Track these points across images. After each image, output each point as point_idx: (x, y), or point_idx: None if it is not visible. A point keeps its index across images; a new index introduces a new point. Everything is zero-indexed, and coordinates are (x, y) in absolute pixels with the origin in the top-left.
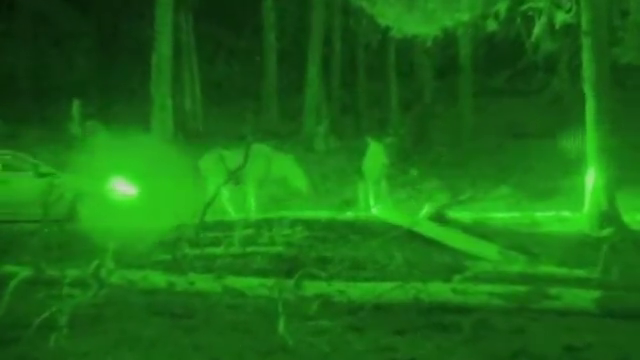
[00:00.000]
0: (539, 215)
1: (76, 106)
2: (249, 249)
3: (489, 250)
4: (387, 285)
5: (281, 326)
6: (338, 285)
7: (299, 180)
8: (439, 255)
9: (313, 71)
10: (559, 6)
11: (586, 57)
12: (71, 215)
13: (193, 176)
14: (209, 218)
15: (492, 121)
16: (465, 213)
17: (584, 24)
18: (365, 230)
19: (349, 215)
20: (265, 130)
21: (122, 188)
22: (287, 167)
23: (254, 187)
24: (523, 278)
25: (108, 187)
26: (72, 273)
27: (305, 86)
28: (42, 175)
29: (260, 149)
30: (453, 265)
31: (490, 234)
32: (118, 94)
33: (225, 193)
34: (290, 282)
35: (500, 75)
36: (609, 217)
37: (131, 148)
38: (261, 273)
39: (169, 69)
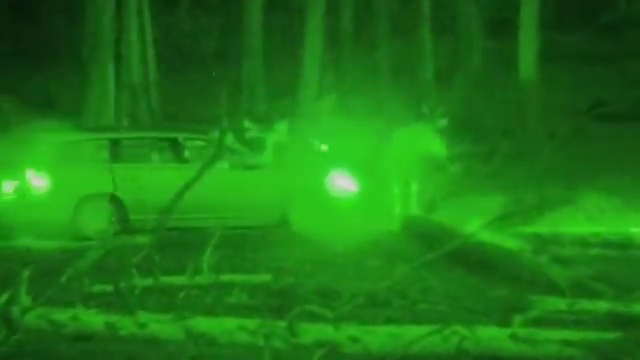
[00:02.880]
0: (634, 231)
1: None
2: (223, 277)
3: (561, 279)
4: (419, 329)
5: None
6: (349, 329)
7: None
8: (492, 287)
9: (314, 25)
10: None
11: None
12: (283, 219)
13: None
14: None
15: (567, 96)
16: (529, 227)
17: None
18: (387, 251)
19: (365, 229)
20: (247, 110)
21: (342, 184)
22: None
23: None
24: (611, 320)
25: (326, 183)
26: None
27: (303, 47)
28: (248, 167)
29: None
30: (512, 301)
31: (564, 257)
32: (37, 59)
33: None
34: (281, 324)
35: (578, 33)
36: None
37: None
38: (240, 311)
39: (110, 24)
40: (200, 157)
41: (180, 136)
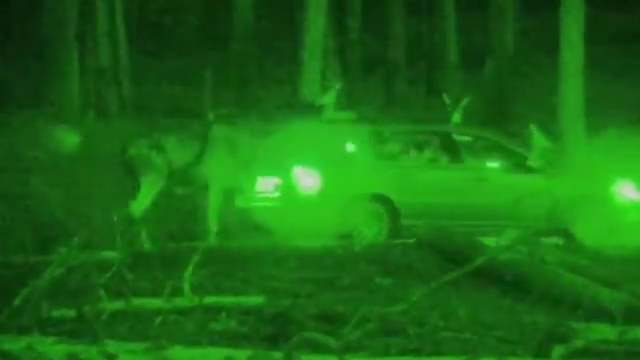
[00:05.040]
0: None
1: None
2: (208, 299)
3: (611, 303)
4: None
5: None
6: None
7: None
8: (529, 311)
9: (316, 2)
10: None
11: None
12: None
13: None
14: None
15: (617, 85)
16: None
17: None
18: (402, 268)
19: (373, 242)
20: (237, 101)
21: (630, 194)
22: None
23: (216, 193)
24: None
25: (612, 192)
26: None
27: (302, 26)
28: (531, 170)
29: (225, 133)
30: (552, 328)
31: (613, 276)
32: None
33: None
34: (277, 355)
35: (632, 11)
36: None
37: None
38: (229, 340)
39: None
40: (473, 155)
41: (453, 130)
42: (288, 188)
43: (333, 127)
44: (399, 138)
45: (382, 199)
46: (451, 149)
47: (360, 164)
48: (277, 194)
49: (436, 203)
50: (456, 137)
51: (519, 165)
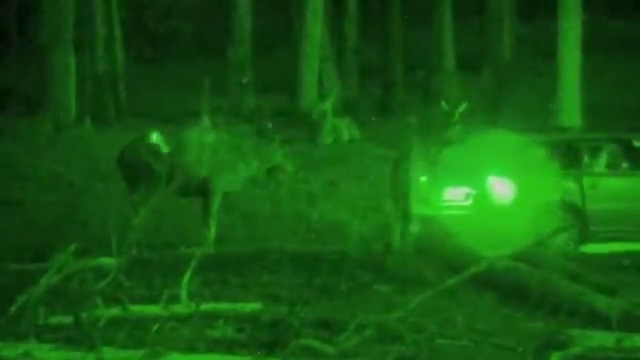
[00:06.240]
0: None
1: None
2: (205, 306)
3: (608, 310)
4: None
5: None
6: None
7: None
8: (526, 318)
9: (314, 8)
10: None
11: None
12: None
13: None
14: None
15: (615, 92)
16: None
17: None
18: (400, 275)
19: (372, 249)
20: (233, 108)
21: None
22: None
23: (216, 198)
24: None
25: None
26: None
27: (300, 33)
28: None
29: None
30: (549, 335)
31: (611, 283)
32: None
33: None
34: None
35: (630, 18)
36: None
37: None
38: (226, 347)
39: (71, 4)
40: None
41: (634, 137)
42: (482, 197)
43: (523, 136)
44: (584, 145)
45: (571, 206)
46: (633, 156)
47: (549, 172)
48: (470, 203)
49: (623, 209)
50: (637, 144)
51: None
